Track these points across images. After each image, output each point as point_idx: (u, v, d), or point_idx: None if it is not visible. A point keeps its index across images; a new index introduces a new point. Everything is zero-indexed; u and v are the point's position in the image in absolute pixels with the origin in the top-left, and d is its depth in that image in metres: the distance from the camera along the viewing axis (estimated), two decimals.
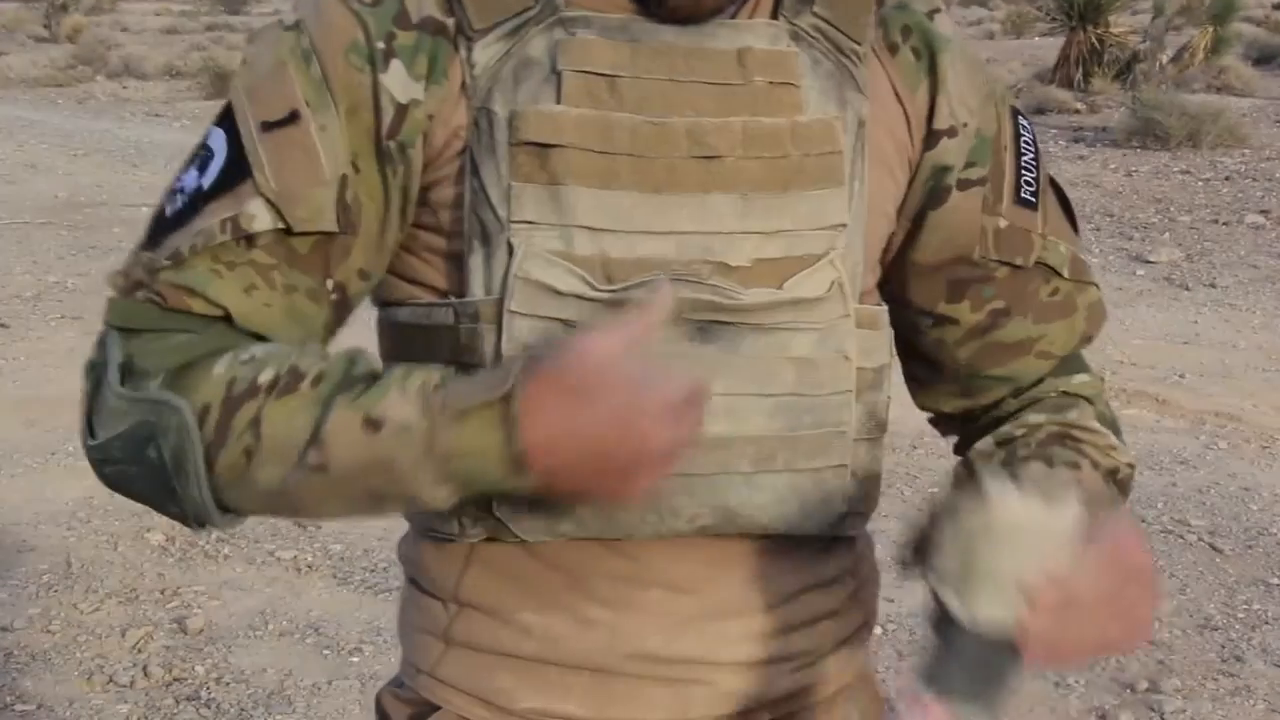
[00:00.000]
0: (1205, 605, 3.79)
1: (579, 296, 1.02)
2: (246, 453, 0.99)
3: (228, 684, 3.31)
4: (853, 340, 1.08)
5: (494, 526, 1.07)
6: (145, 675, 3.32)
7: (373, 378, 1.00)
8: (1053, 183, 1.19)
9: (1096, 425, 1.19)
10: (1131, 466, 1.19)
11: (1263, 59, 16.55)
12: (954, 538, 0.96)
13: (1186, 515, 4.36)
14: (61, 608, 3.66)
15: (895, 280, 1.18)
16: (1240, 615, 3.76)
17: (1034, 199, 1.16)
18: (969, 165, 1.13)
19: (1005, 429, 1.21)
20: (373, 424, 0.96)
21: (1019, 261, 1.15)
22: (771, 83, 1.05)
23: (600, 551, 1.08)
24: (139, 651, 3.44)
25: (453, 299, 1.07)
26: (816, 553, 1.14)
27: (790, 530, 1.09)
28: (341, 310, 1.10)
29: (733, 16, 1.07)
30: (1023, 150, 1.16)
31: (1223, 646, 3.56)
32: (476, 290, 1.05)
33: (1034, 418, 1.19)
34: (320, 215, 1.03)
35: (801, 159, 1.05)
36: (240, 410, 0.99)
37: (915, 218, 1.15)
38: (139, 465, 1.01)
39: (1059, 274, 1.17)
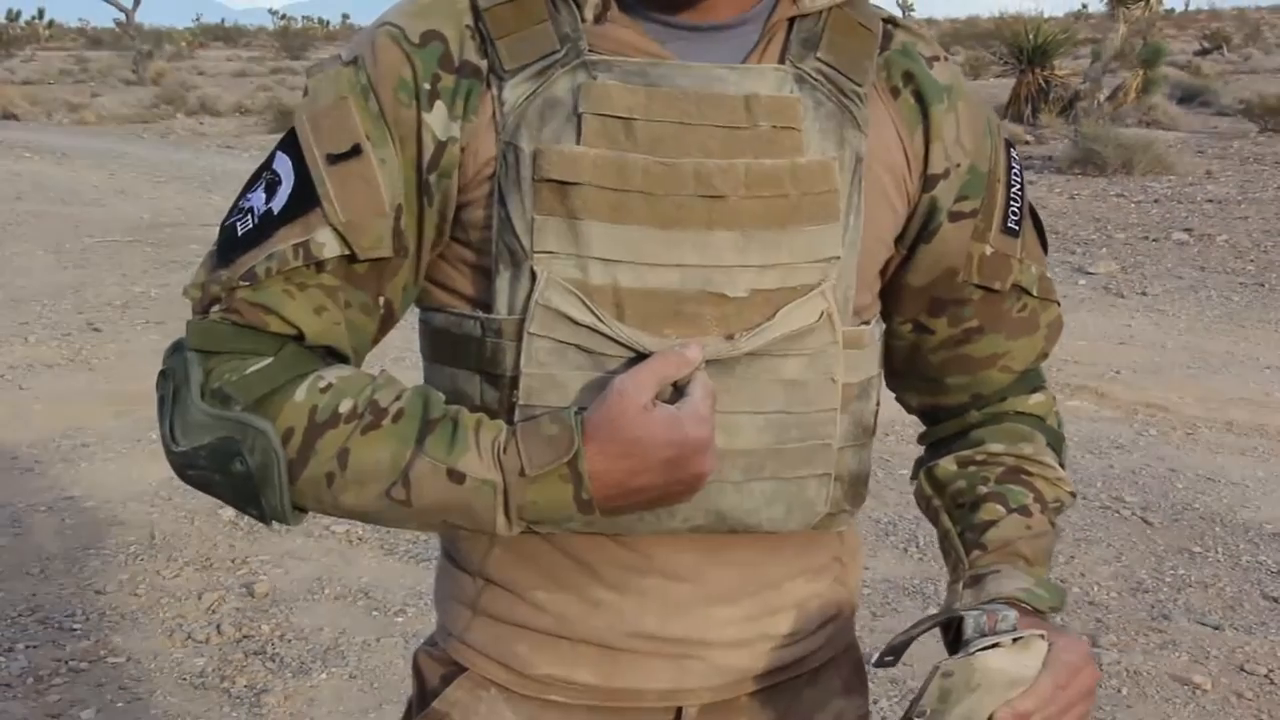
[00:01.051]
0: (1137, 571, 3.80)
1: (592, 329, 1.00)
2: (329, 476, 0.98)
3: (289, 641, 3.33)
4: (839, 362, 1.06)
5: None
6: (218, 633, 3.36)
7: (448, 420, 1.00)
8: (1031, 209, 1.17)
9: (1047, 459, 1.17)
10: (1072, 494, 1.18)
11: (1185, 98, 16.65)
12: (935, 681, 0.96)
13: (1121, 493, 4.36)
14: (146, 574, 3.68)
15: (884, 294, 1.15)
16: (1168, 579, 3.76)
17: (1017, 227, 1.14)
18: (961, 199, 1.11)
19: (967, 453, 1.18)
20: (455, 476, 0.97)
21: (996, 286, 1.13)
22: (775, 126, 1.03)
23: (606, 542, 1.06)
24: (213, 612, 3.47)
25: (480, 313, 1.05)
26: (803, 545, 1.12)
27: (776, 529, 1.07)
28: (387, 321, 1.09)
29: (745, 58, 1.05)
30: (1012, 182, 1.14)
31: (1152, 606, 3.57)
32: (501, 308, 1.03)
33: (994, 446, 1.17)
34: (380, 243, 1.02)
35: (800, 197, 1.03)
36: (323, 437, 0.98)
37: (910, 247, 1.12)
38: (223, 475, 1.00)
39: (1029, 293, 1.15)
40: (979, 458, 1.16)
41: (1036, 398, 1.20)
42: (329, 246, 1.00)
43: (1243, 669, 3.23)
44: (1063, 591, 1.06)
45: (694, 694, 1.11)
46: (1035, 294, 1.15)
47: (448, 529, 1.06)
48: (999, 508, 1.11)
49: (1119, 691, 3.10)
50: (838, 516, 1.11)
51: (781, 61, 1.04)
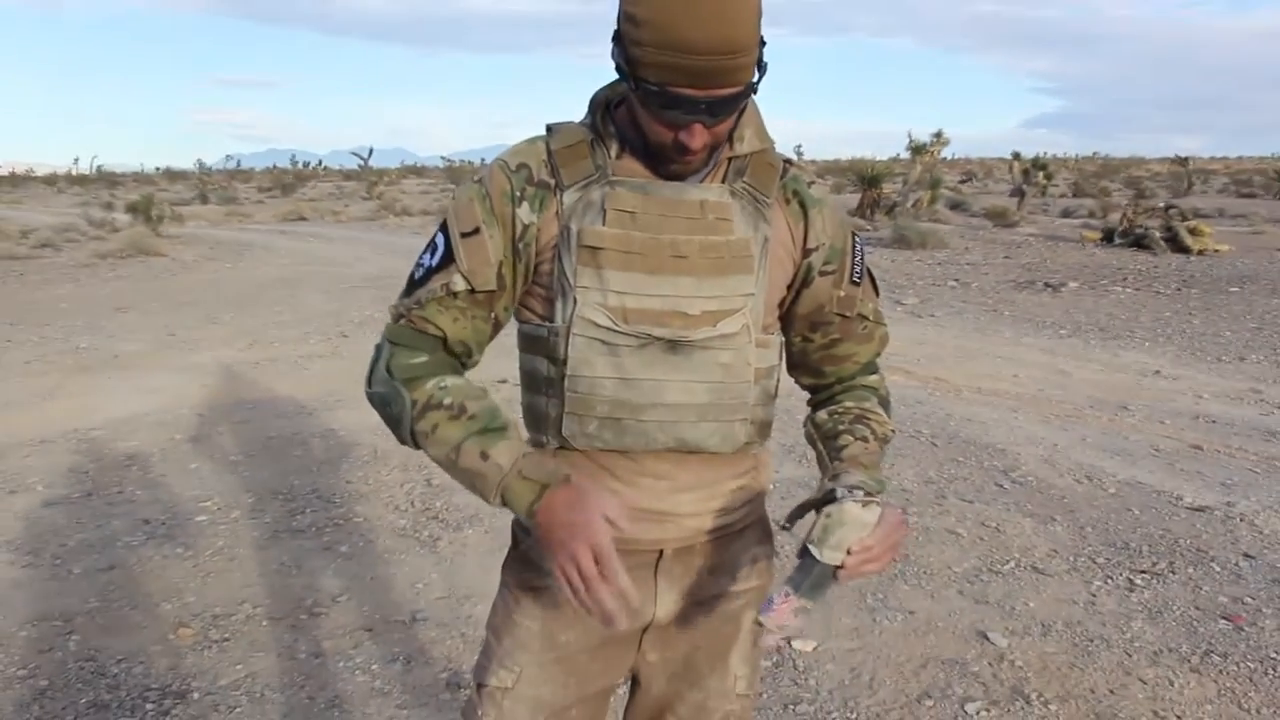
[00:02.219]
0: (927, 471, 3.86)
1: (609, 329, 0.99)
2: (425, 434, 0.99)
3: (451, 510, 3.36)
4: (753, 354, 1.04)
5: (562, 442, 1.05)
6: (412, 506, 3.42)
7: (500, 428, 0.98)
8: (868, 269, 1.13)
9: (879, 411, 1.12)
10: (893, 431, 1.13)
11: (953, 206, 17.04)
12: (820, 519, 0.96)
13: (920, 428, 4.41)
14: (372, 473, 3.74)
15: (785, 320, 1.12)
16: (945, 476, 3.81)
17: (859, 280, 1.10)
18: (826, 263, 1.08)
19: (832, 407, 1.14)
20: (484, 456, 0.96)
21: (848, 313, 1.10)
22: (717, 218, 1.01)
23: (617, 455, 1.04)
24: (408, 494, 3.53)
25: (546, 323, 1.03)
26: (732, 460, 1.09)
27: (716, 451, 1.05)
28: (496, 328, 1.06)
29: (701, 180, 1.02)
30: (855, 252, 1.10)
31: (935, 492, 3.62)
32: (558, 320, 1.01)
33: (848, 403, 1.13)
34: (489, 282, 1.01)
35: (731, 258, 1.01)
36: (430, 413, 0.98)
37: (797, 291, 1.09)
38: (384, 408, 1.02)
39: (868, 319, 1.12)
40: (839, 411, 1.13)
41: (873, 377, 1.16)
42: (460, 283, 1.00)
43: (983, 524, 3.31)
44: (886, 483, 1.03)
45: (669, 542, 1.08)
46: (872, 319, 1.13)
47: (470, 488, 1.00)
48: (849, 438, 1.08)
49: (916, 538, 3.19)
50: (753, 444, 1.09)
51: (723, 182, 1.02)
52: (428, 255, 1.03)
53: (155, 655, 2.43)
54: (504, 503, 0.97)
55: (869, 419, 1.11)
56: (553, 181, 1.01)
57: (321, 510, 3.42)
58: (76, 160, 44.55)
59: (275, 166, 49.71)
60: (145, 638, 2.52)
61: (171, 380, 5.33)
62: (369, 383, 1.03)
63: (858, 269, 1.10)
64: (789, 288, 1.08)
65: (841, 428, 1.10)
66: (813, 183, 1.08)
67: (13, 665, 2.38)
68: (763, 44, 0.94)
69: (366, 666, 2.40)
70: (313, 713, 2.21)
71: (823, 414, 1.14)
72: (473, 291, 1.00)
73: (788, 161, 1.08)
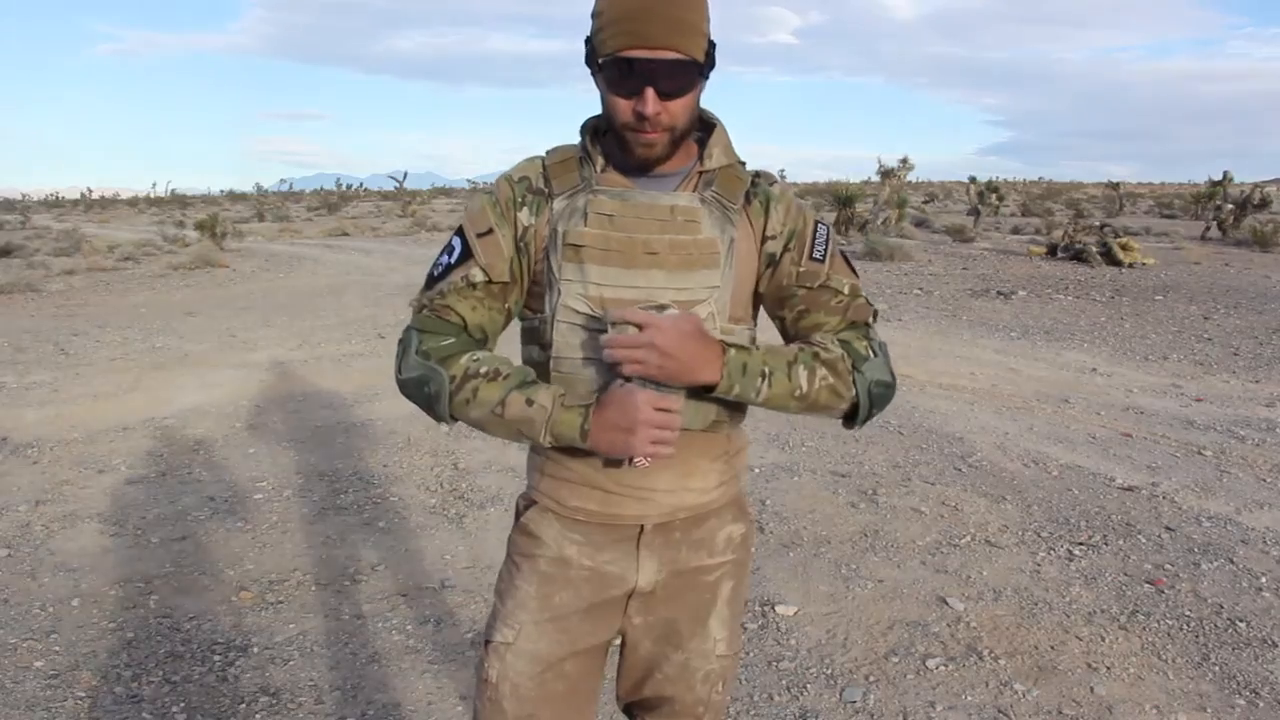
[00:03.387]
0: (895, 457, 3.79)
1: (589, 315, 0.99)
2: (467, 401, 0.98)
3: (475, 491, 3.37)
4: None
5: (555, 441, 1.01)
6: (441, 487, 3.41)
7: (533, 382, 0.98)
8: (842, 252, 1.08)
9: (833, 348, 1.03)
10: (846, 359, 1.01)
11: (918, 223, 16.62)
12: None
13: (888, 418, 4.33)
14: (405, 458, 3.72)
15: (764, 305, 1.09)
16: (911, 460, 3.77)
17: (820, 257, 1.05)
18: (786, 245, 1.05)
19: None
20: (530, 403, 0.96)
21: (811, 285, 1.04)
22: (686, 220, 1.00)
23: None
24: (438, 476, 3.52)
25: (537, 314, 1.03)
26: (706, 441, 1.06)
27: (689, 426, 1.02)
28: (507, 320, 1.06)
29: (675, 190, 1.01)
30: (816, 235, 1.05)
31: (903, 475, 3.59)
32: (547, 310, 1.01)
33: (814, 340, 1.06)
34: (504, 274, 1.01)
35: (699, 255, 1.00)
36: (469, 382, 0.98)
37: (767, 276, 1.06)
38: (419, 392, 1.00)
39: (840, 292, 1.05)
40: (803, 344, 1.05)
41: (844, 335, 1.06)
42: (479, 275, 1.00)
43: (944, 503, 3.28)
44: (753, 361, 0.97)
45: (649, 518, 1.05)
46: (847, 294, 1.06)
47: (518, 437, 0.98)
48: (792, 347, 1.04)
49: (884, 516, 3.10)
50: (724, 423, 1.05)
51: (694, 191, 1.02)
52: (445, 256, 1.03)
53: (221, 614, 2.46)
54: (554, 438, 0.95)
55: (813, 342, 1.03)
56: (546, 190, 1.01)
57: (361, 490, 3.41)
58: (154, 185, 45.09)
59: (322, 189, 49.05)
60: (212, 599, 2.55)
61: (232, 376, 5.33)
62: (400, 370, 1.02)
63: (819, 248, 1.05)
64: (758, 279, 1.06)
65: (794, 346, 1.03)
66: (773, 183, 1.06)
67: (105, 619, 2.42)
68: (713, 45, 0.95)
69: (401, 627, 2.41)
70: (355, 666, 2.22)
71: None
72: (489, 282, 1.01)
73: (758, 174, 1.06)
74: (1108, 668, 2.22)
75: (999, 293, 8.88)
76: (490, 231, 1.00)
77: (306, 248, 14.85)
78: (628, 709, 1.18)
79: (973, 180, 20.04)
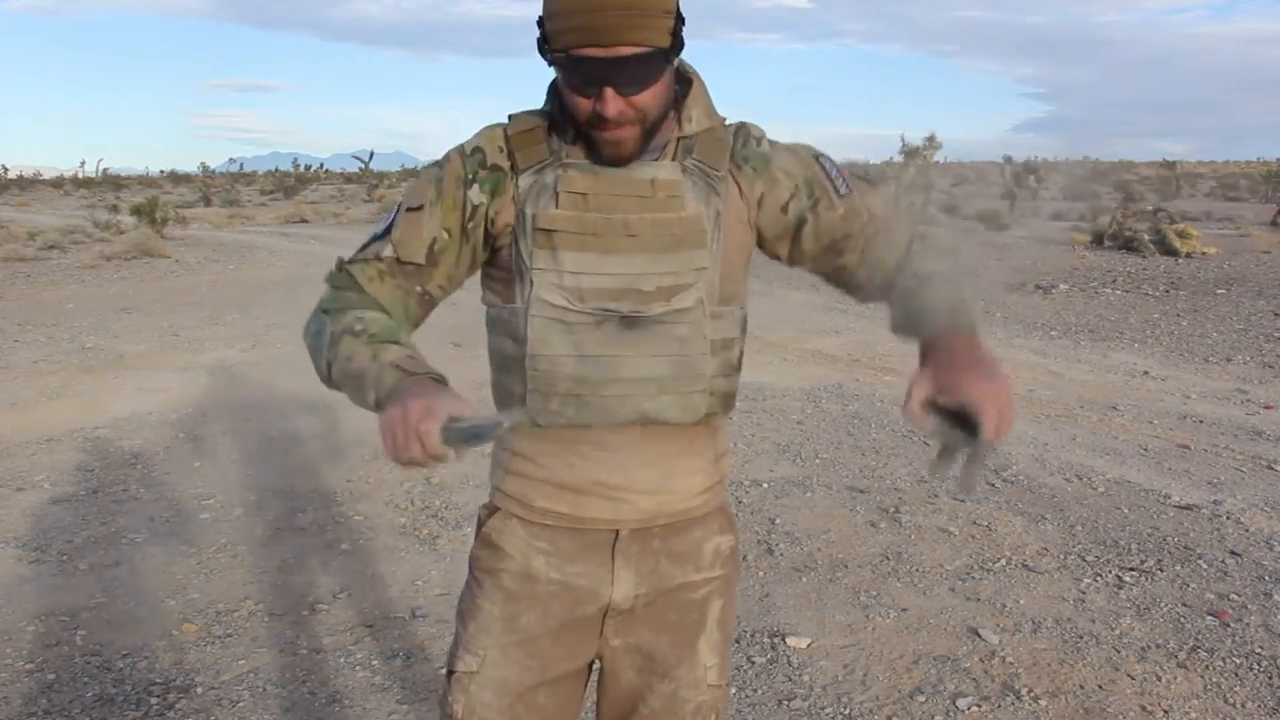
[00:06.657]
0: (920, 471, 3.81)
1: (565, 308, 1.00)
2: (335, 358, 0.99)
3: (450, 509, 3.39)
4: (709, 326, 1.03)
5: (529, 418, 1.04)
6: (412, 504, 3.44)
7: (395, 340, 0.98)
8: (854, 174, 1.10)
9: (923, 260, 1.06)
10: (956, 248, 1.08)
11: (947, 209, 16.82)
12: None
13: (913, 427, 4.40)
14: (373, 471, 3.75)
15: (812, 266, 1.10)
16: (938, 475, 3.79)
17: (847, 191, 1.08)
18: (810, 198, 1.06)
19: (899, 286, 1.06)
20: (374, 357, 0.96)
21: (857, 226, 1.07)
22: (668, 195, 1.01)
23: (581, 431, 1.04)
24: (409, 493, 3.55)
25: (508, 305, 1.04)
26: (689, 439, 1.08)
27: (678, 420, 1.04)
28: (426, 303, 1.07)
29: (655, 160, 1.02)
30: (828, 172, 1.07)
31: (929, 491, 3.59)
32: (518, 301, 1.02)
33: (918, 268, 1.06)
34: (415, 255, 1.03)
35: (683, 234, 1.01)
36: (345, 337, 0.99)
37: (792, 237, 1.07)
38: (313, 340, 1.03)
39: (877, 215, 1.08)
40: (909, 283, 1.05)
41: (919, 244, 1.09)
42: (386, 251, 1.04)
43: (975, 522, 3.32)
44: (973, 313, 1.00)
45: (624, 522, 1.07)
46: (879, 213, 1.08)
47: (358, 395, 0.98)
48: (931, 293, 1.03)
49: (909, 536, 3.15)
50: (713, 416, 1.07)
51: (673, 160, 1.03)
52: (380, 225, 1.07)
53: (159, 650, 2.45)
54: (373, 401, 0.94)
55: (920, 272, 1.04)
56: (508, 165, 1.02)
57: (322, 508, 3.42)
58: (82, 163, 44.36)
59: (277, 170, 49.04)
60: (150, 633, 2.54)
61: (175, 380, 5.34)
62: (305, 328, 1.05)
63: (840, 183, 1.08)
64: (779, 241, 1.08)
65: (912, 284, 1.04)
66: (760, 139, 1.06)
67: (20, 659, 2.39)
68: (681, 21, 0.96)
69: (367, 662, 2.41)
70: (314, 707, 2.22)
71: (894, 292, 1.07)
72: (398, 261, 1.03)
73: (741, 128, 1.07)
74: (1165, 711, 2.20)
75: (1038, 286, 8.93)
76: (421, 208, 1.03)
77: (259, 236, 14.77)
78: None
79: (1008, 160, 20.15)
